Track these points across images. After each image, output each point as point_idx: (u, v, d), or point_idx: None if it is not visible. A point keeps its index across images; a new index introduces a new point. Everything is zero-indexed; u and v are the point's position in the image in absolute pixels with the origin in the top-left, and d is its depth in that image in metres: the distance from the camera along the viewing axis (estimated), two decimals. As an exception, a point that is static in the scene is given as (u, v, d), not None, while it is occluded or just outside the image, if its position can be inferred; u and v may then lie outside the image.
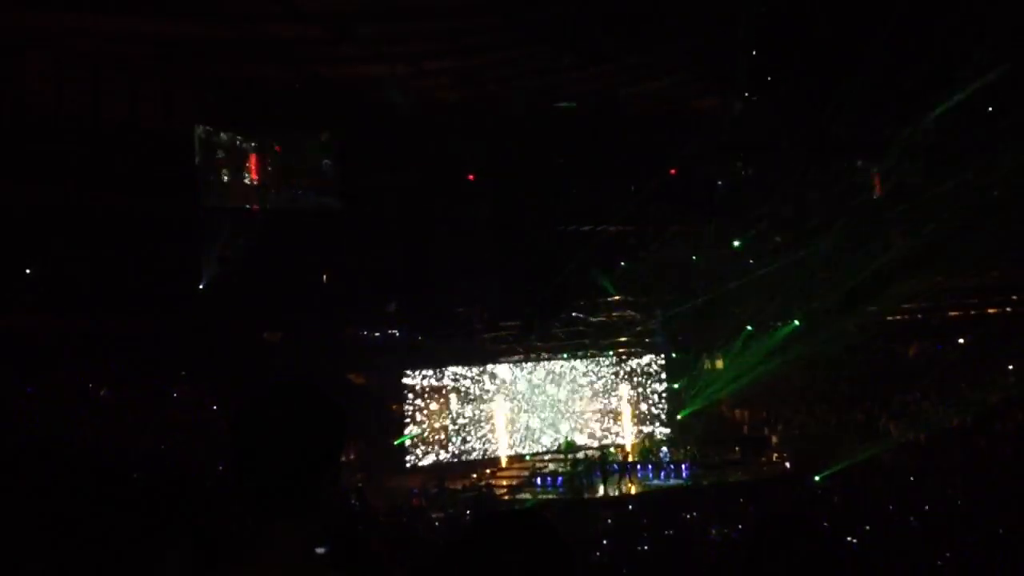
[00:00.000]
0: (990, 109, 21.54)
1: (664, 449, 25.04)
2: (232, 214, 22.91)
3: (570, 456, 24.06)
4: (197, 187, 22.38)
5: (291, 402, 1.81)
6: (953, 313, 27.06)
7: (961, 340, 26.62)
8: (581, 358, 26.49)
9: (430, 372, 24.83)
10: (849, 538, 13.19)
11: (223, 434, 19.62)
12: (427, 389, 24.80)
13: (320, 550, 1.93)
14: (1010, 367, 24.30)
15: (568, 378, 26.16)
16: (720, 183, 25.94)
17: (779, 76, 20.50)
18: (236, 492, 1.79)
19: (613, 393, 26.41)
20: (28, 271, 20.36)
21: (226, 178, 22.90)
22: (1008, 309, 26.72)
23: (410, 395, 24.56)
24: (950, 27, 17.57)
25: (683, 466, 24.06)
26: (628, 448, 25.54)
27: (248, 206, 23.31)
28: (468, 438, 24.91)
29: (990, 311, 26.87)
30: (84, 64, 20.77)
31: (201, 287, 22.63)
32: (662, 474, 23.83)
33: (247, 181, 23.23)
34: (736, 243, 26.10)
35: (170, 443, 17.33)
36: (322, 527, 1.84)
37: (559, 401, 25.89)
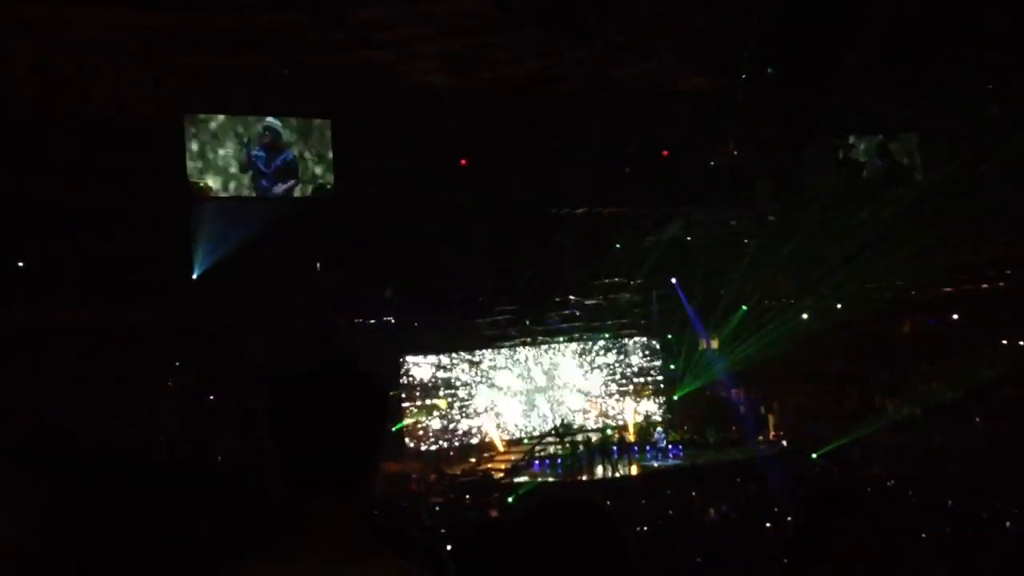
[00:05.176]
0: (987, 86, 21.51)
1: (659, 430, 25.12)
2: (224, 203, 22.80)
3: (567, 439, 24.11)
4: (188, 176, 22.27)
5: (342, 380, 1.76)
6: (947, 289, 27.13)
7: (955, 316, 26.70)
8: (577, 341, 26.51)
9: (426, 358, 24.84)
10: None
11: (219, 422, 19.64)
12: (423, 375, 24.81)
13: None
14: (1003, 342, 24.38)
15: (564, 361, 26.19)
16: (713, 163, 25.89)
17: (772, 56, 20.43)
18: (285, 475, 1.73)
19: (609, 375, 26.45)
20: (20, 264, 20.25)
21: (217, 167, 22.78)
22: (1001, 284, 26.78)
23: (406, 381, 24.56)
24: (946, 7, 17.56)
25: (680, 446, 24.15)
26: (625, 429, 25.59)
27: (240, 194, 23.20)
28: (465, 422, 24.94)
29: (983, 287, 26.93)
30: (71, 55, 20.58)
31: (194, 277, 22.55)
32: (660, 455, 23.90)
33: (238, 169, 23.10)
34: (730, 223, 26.10)
35: (166, 433, 17.32)
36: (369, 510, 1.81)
37: (555, 384, 25.92)
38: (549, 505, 1.83)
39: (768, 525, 14.27)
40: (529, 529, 1.78)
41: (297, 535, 1.70)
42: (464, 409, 24.96)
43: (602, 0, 19.15)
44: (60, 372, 18.53)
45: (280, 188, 23.43)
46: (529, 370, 25.80)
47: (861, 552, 2.05)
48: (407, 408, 24.32)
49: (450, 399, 24.87)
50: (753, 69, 21.54)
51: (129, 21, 18.77)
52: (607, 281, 26.80)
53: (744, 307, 25.69)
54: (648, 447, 24.18)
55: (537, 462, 23.85)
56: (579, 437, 24.16)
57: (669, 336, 27.04)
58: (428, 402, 24.65)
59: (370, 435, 1.76)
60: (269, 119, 23.26)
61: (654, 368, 26.85)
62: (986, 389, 23.27)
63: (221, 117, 22.77)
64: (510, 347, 25.98)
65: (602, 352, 26.59)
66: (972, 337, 25.21)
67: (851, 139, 25.80)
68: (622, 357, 26.71)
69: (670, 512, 15.94)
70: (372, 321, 24.96)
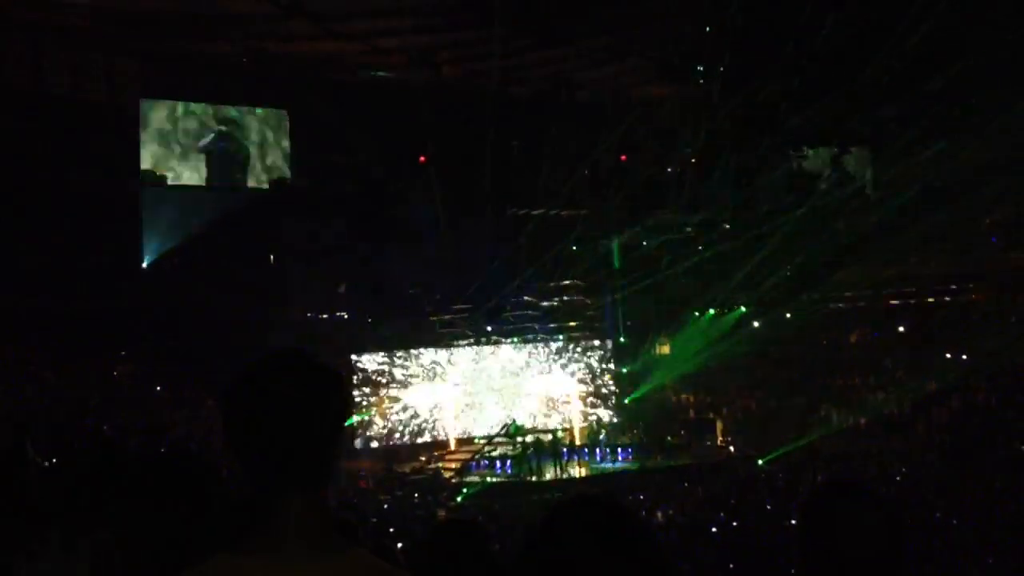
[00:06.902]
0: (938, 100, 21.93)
1: (602, 433, 25.28)
2: (177, 190, 22.48)
3: (518, 439, 24.10)
4: (141, 162, 21.91)
5: (311, 374, 1.68)
6: (893, 302, 27.65)
7: (900, 328, 27.21)
8: (531, 342, 26.54)
9: (379, 355, 24.70)
10: (793, 521, 13.45)
11: (165, 413, 19.32)
12: (376, 372, 24.66)
13: None
14: (947, 355, 24.89)
15: (517, 362, 26.20)
16: (670, 169, 26.10)
17: (732, 65, 20.66)
18: (249, 471, 1.66)
19: (562, 377, 26.50)
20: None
21: (171, 153, 22.44)
22: (946, 298, 27.39)
23: (359, 378, 24.40)
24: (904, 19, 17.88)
25: (629, 450, 24.28)
26: (576, 432, 25.66)
27: (193, 183, 22.88)
28: (416, 421, 24.83)
29: (928, 300, 27.51)
30: (25, 36, 20.14)
31: (144, 265, 22.20)
32: (609, 458, 24.01)
33: (192, 157, 22.78)
34: (686, 229, 26.33)
35: (112, 423, 16.97)
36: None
37: (508, 385, 25.90)
38: (576, 502, 1.72)
39: (714, 530, 14.43)
40: (565, 526, 1.69)
41: (266, 532, 1.63)
42: (415, 407, 24.84)
43: (568, 4, 19.21)
44: (3, 359, 18.11)
45: (234, 177, 23.16)
46: (481, 370, 25.75)
47: (872, 545, 1.94)
48: (358, 404, 24.16)
49: (401, 396, 24.75)
50: (712, 78, 21.77)
51: (84, 3, 18.40)
52: (562, 283, 26.88)
53: (696, 313, 25.98)
54: (597, 450, 24.28)
55: (487, 462, 23.81)
56: (529, 438, 24.14)
57: (622, 340, 27.19)
58: (379, 399, 24.50)
59: (333, 426, 1.70)
60: (224, 110, 22.97)
61: (606, 371, 26.95)
62: (929, 399, 23.75)
63: (178, 103, 22.44)
64: (463, 346, 25.93)
65: (555, 354, 26.64)
66: (917, 349, 25.71)
67: (806, 150, 26.17)
68: (575, 359, 26.78)
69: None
70: (325, 316, 24.76)
